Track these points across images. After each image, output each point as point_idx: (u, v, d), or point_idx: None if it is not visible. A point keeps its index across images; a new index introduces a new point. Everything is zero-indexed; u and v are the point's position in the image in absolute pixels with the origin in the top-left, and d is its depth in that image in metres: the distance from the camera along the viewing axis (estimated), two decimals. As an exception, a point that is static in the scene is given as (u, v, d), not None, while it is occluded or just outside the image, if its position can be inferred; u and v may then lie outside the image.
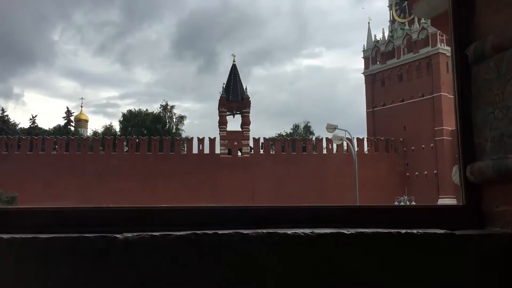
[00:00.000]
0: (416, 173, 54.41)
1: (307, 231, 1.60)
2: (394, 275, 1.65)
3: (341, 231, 1.62)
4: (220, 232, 1.51)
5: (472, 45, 1.96)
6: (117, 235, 1.43)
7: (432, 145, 53.19)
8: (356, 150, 49.33)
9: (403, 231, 1.68)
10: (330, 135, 33.94)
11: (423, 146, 54.15)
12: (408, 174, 54.94)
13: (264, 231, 1.56)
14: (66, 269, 1.38)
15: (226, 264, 1.50)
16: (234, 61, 56.94)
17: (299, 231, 1.59)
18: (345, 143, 44.77)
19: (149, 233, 1.46)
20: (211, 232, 1.51)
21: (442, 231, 1.74)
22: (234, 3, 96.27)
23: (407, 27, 58.82)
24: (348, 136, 34.31)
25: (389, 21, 62.09)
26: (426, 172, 53.36)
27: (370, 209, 1.82)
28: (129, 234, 1.44)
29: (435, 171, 52.59)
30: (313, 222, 1.70)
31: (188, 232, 1.49)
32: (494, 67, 1.86)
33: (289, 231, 1.58)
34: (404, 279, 1.67)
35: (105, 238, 1.41)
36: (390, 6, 61.83)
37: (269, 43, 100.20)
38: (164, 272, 1.43)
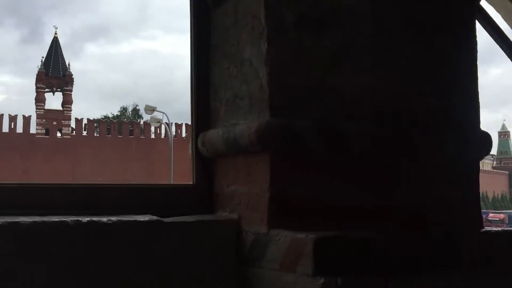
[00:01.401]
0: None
1: None
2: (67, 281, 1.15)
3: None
4: None
5: (212, -16, 1.55)
6: None
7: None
8: (174, 134, 49.19)
9: (85, 219, 1.19)
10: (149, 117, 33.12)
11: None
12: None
13: None
14: None
15: None
16: (56, 33, 51.81)
17: None
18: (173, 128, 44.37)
19: None
20: None
21: (146, 219, 1.29)
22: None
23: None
24: (166, 120, 33.78)
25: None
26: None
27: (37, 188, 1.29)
28: None
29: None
30: None
31: None
32: (232, 11, 1.47)
33: None
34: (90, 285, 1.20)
35: None
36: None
37: (106, 19, 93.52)
38: None
